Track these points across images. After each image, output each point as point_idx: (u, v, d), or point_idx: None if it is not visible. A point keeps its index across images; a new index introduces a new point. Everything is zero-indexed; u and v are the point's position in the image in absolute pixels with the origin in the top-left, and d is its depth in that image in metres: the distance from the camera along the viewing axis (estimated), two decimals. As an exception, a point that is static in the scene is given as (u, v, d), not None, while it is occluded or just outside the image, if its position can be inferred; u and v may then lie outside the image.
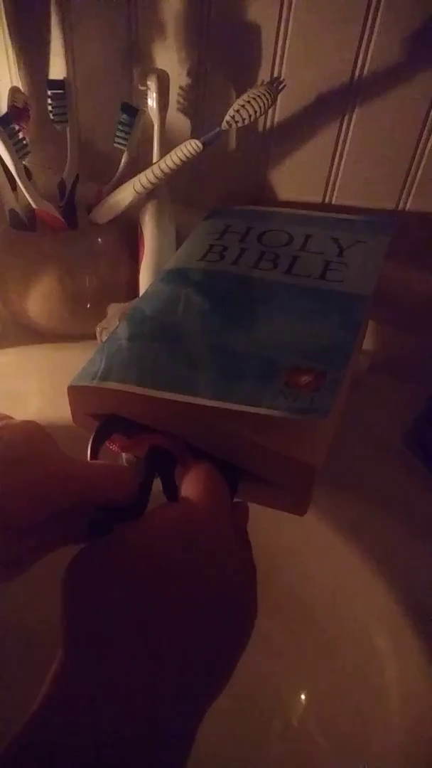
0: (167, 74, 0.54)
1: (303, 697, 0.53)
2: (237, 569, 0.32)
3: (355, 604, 0.47)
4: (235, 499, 0.37)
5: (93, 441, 0.38)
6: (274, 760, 0.51)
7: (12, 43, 0.61)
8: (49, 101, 0.55)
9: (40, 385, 0.60)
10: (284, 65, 0.52)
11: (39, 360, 0.64)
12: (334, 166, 0.57)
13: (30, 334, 0.66)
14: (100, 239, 0.62)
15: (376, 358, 0.61)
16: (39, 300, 0.62)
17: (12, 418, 0.34)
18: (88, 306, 0.63)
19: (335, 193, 0.59)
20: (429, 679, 0.41)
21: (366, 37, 0.49)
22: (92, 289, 0.62)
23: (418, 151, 0.53)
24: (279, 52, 0.52)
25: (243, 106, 0.50)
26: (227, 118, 0.51)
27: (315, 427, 0.35)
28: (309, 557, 0.51)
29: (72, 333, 0.65)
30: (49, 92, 0.55)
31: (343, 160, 0.56)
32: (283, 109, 0.55)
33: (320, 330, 0.42)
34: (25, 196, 0.56)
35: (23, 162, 0.55)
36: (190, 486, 0.34)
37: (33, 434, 0.33)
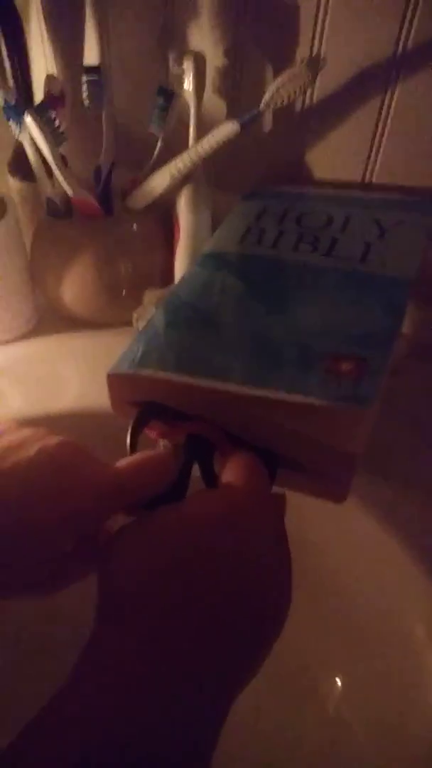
0: (203, 56, 0.53)
1: (339, 683, 0.52)
2: (273, 558, 0.32)
3: (393, 591, 0.47)
4: (274, 489, 0.37)
5: (132, 428, 0.38)
6: (309, 744, 0.51)
7: (47, 31, 0.61)
8: (85, 87, 0.55)
9: (79, 373, 0.61)
10: (324, 42, 0.51)
11: (76, 347, 0.64)
12: (375, 145, 0.55)
13: (67, 322, 0.66)
14: (135, 225, 0.61)
15: (414, 342, 0.60)
16: (75, 287, 0.63)
17: (43, 434, 0.34)
18: (125, 293, 0.63)
19: (375, 172, 0.57)
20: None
21: (410, 9, 0.47)
22: (128, 275, 0.62)
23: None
24: (318, 29, 0.50)
25: (282, 86, 0.49)
26: (266, 98, 0.50)
27: (357, 415, 0.34)
28: (345, 543, 0.50)
29: (109, 320, 0.65)
30: (84, 78, 0.55)
31: (384, 138, 0.54)
32: (322, 86, 0.53)
33: (362, 315, 0.41)
34: (61, 183, 0.56)
35: (59, 149, 0.55)
36: (229, 474, 0.34)
37: (67, 451, 0.33)
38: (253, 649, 0.30)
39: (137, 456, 0.35)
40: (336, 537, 0.50)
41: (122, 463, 0.34)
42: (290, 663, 0.53)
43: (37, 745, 0.24)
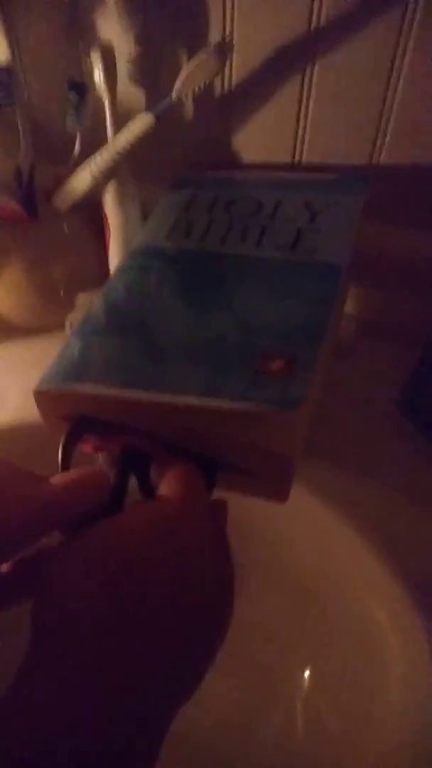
0: (111, 46, 0.50)
1: (307, 674, 0.52)
2: (213, 569, 0.31)
3: (354, 580, 0.47)
4: (215, 497, 0.36)
5: (64, 444, 0.37)
6: (278, 735, 0.51)
7: None
8: (-6, 86, 0.52)
9: (19, 382, 0.59)
10: (235, 23, 0.49)
11: (16, 356, 0.62)
12: (301, 124, 0.54)
13: (4, 330, 0.64)
14: (64, 226, 0.59)
15: (363, 322, 0.59)
16: (9, 295, 0.60)
17: None
18: (62, 295, 0.61)
19: (304, 152, 0.55)
20: (427, 652, 0.40)
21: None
22: (62, 278, 0.60)
23: (387, 101, 0.49)
24: (228, 10, 0.48)
25: (191, 73, 0.47)
26: (177, 87, 0.48)
27: (288, 418, 0.33)
28: (303, 534, 0.50)
29: (49, 324, 0.63)
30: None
31: (309, 116, 0.53)
32: (240, 68, 0.52)
33: (291, 308, 0.40)
34: (-23, 190, 0.54)
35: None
36: (166, 485, 0.33)
37: None
38: (195, 663, 0.29)
39: (70, 472, 0.33)
40: (293, 527, 0.50)
41: (55, 479, 0.32)
42: (258, 658, 0.53)
43: None
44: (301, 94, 0.52)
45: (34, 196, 0.58)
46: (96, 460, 0.39)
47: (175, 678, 0.28)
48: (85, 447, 0.39)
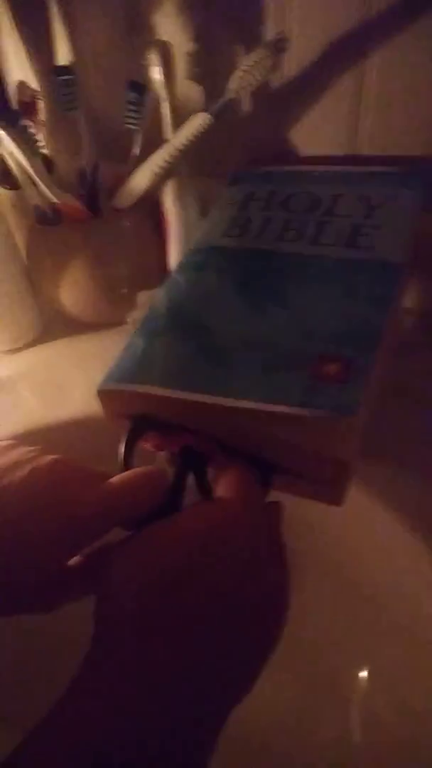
0: (169, 44, 0.51)
1: (364, 675, 0.52)
2: (268, 571, 0.32)
3: (411, 579, 0.46)
4: (271, 498, 0.37)
5: (126, 442, 0.38)
6: (335, 736, 0.51)
7: (20, 37, 0.59)
8: (58, 89, 0.54)
9: (85, 377, 0.61)
10: (291, 18, 0.48)
11: (81, 351, 0.64)
12: (360, 115, 0.53)
13: (72, 327, 0.66)
14: (125, 224, 0.60)
15: (423, 316, 0.58)
16: (73, 292, 0.62)
17: (36, 454, 0.35)
18: (123, 292, 0.63)
19: (362, 145, 0.54)
20: None
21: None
22: (124, 275, 0.61)
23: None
24: (284, 6, 0.48)
25: (246, 71, 0.47)
26: (232, 86, 0.48)
27: (343, 423, 0.33)
28: (359, 533, 0.50)
29: (113, 320, 0.65)
30: (56, 79, 0.53)
31: (366, 108, 0.52)
32: (297, 61, 0.51)
33: (347, 309, 0.40)
34: (42, 192, 0.55)
35: (42, 153, 0.54)
36: (223, 487, 0.34)
37: (58, 470, 0.33)
38: (248, 666, 0.30)
39: (130, 472, 0.35)
40: (352, 528, 0.50)
41: (115, 480, 0.34)
42: (313, 657, 0.53)
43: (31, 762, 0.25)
44: (358, 87, 0.51)
45: (97, 195, 0.59)
46: (156, 458, 0.40)
47: (228, 679, 0.29)
48: (146, 445, 0.40)
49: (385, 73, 0.49)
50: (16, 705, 0.44)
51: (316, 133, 0.55)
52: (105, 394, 0.41)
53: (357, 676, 0.52)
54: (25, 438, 0.55)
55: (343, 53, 0.49)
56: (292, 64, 0.51)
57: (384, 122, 0.52)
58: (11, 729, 0.30)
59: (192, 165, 0.56)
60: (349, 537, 0.50)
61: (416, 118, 0.50)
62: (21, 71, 0.62)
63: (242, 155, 0.58)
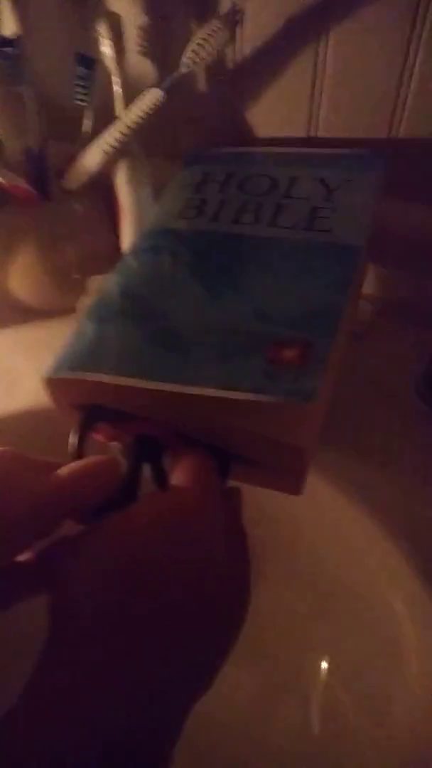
0: (118, 16, 0.48)
1: (325, 665, 0.52)
2: (227, 560, 0.31)
3: (372, 569, 0.46)
4: (230, 485, 0.36)
5: (76, 433, 0.36)
6: (294, 728, 0.51)
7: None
8: (1, 63, 0.51)
9: (35, 366, 0.58)
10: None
11: (32, 339, 0.62)
12: (315, 96, 0.52)
13: (19, 314, 0.64)
14: (76, 206, 0.58)
15: (380, 302, 0.57)
16: (23, 278, 0.60)
17: None
18: (75, 277, 0.60)
19: (319, 127, 0.53)
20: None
21: None
22: (76, 259, 0.59)
23: (405, 72, 0.47)
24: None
25: (200, 44, 0.45)
26: (184, 59, 0.46)
27: (301, 409, 0.32)
28: (320, 523, 0.49)
29: (63, 307, 0.62)
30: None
31: (324, 89, 0.51)
32: (251, 38, 0.50)
33: (305, 292, 0.39)
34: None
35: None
36: (178, 475, 0.33)
37: (1, 462, 0.31)
38: (209, 656, 0.29)
39: (80, 462, 0.33)
40: (313, 518, 0.49)
41: (63, 470, 0.32)
42: (273, 649, 0.52)
43: None
44: (315, 66, 0.50)
45: (45, 176, 0.57)
46: (109, 449, 0.38)
47: (188, 673, 0.28)
48: (98, 436, 0.38)
49: (342, 52, 0.48)
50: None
51: (273, 114, 0.54)
52: (53, 383, 0.39)
53: (317, 667, 0.52)
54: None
55: (300, 29, 0.48)
56: (248, 40, 0.50)
57: (341, 103, 0.51)
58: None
59: (145, 145, 0.54)
60: (308, 526, 0.50)
61: (374, 98, 0.50)
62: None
63: (197, 136, 0.57)
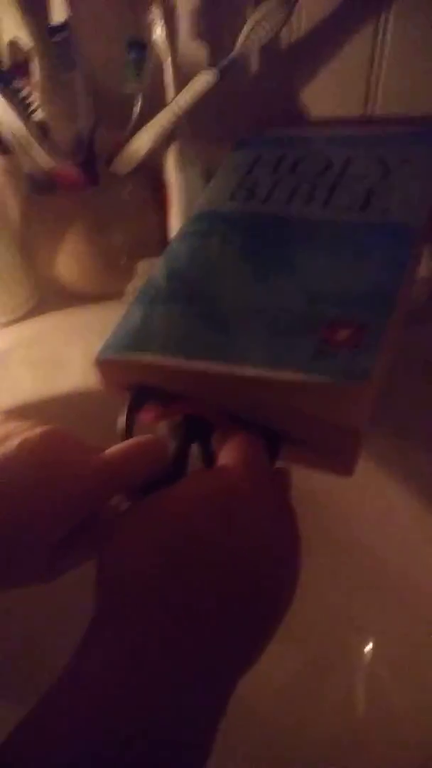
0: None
1: (369, 648, 0.51)
2: (272, 537, 0.30)
3: (419, 553, 0.45)
4: (278, 465, 0.35)
5: (126, 413, 0.37)
6: (338, 708, 0.50)
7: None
8: (53, 48, 0.51)
9: (82, 350, 0.59)
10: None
11: (80, 323, 0.62)
12: (374, 74, 0.50)
13: (69, 298, 0.64)
14: (124, 191, 0.58)
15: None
16: (71, 263, 0.60)
17: (27, 426, 0.33)
18: (123, 262, 0.60)
19: (377, 106, 0.52)
20: None
21: None
22: (123, 245, 0.59)
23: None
24: None
25: (257, 24, 0.44)
26: (240, 40, 0.45)
27: (355, 390, 0.32)
28: (369, 506, 0.48)
29: (111, 292, 0.62)
30: (51, 38, 0.51)
31: (383, 65, 0.49)
32: (308, 16, 0.48)
33: (360, 273, 0.38)
34: (35, 157, 0.53)
35: (36, 119, 0.52)
36: (227, 455, 0.33)
37: (51, 441, 0.32)
38: (255, 633, 0.29)
39: (128, 441, 0.33)
40: (362, 501, 0.49)
41: (112, 450, 0.32)
42: (319, 628, 0.52)
43: (32, 744, 0.23)
44: (374, 43, 0.48)
45: (94, 161, 0.57)
46: (158, 429, 0.38)
47: (236, 649, 0.28)
48: (147, 416, 0.38)
49: (400, 29, 0.46)
50: (18, 678, 0.43)
51: (328, 93, 0.53)
52: (104, 365, 0.39)
53: (362, 648, 0.51)
54: (19, 413, 0.53)
55: (357, 6, 0.46)
56: (304, 19, 0.48)
57: (400, 81, 0.49)
58: (14, 704, 0.29)
59: (196, 129, 0.54)
60: (356, 508, 0.49)
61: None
62: (13, 30, 0.59)
63: (249, 119, 0.56)
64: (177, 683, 0.25)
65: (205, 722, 0.26)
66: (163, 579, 0.27)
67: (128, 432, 0.36)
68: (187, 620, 0.26)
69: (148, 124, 0.52)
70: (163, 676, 0.25)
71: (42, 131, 0.53)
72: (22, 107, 0.50)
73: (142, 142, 0.53)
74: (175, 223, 0.56)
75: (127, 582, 0.27)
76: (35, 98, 0.52)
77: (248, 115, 0.56)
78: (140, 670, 0.25)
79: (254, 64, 0.51)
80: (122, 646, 0.25)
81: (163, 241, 0.59)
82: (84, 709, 0.24)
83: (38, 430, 0.32)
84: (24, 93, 0.50)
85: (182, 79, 0.51)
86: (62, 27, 0.51)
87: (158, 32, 0.49)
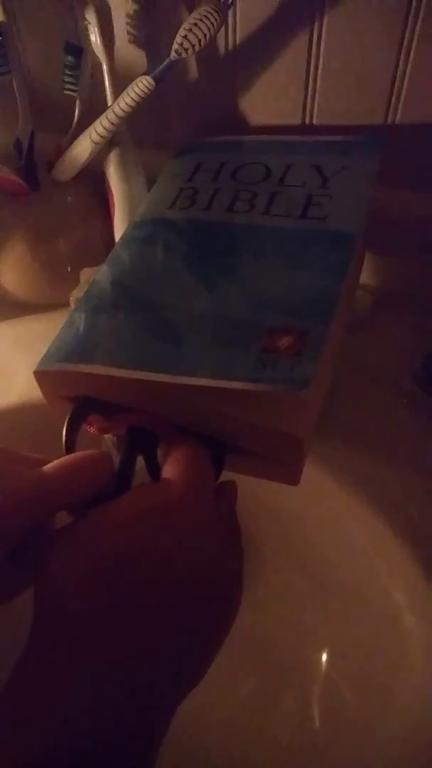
0: (107, 4, 0.47)
1: (324, 657, 0.51)
2: (217, 554, 0.30)
3: (371, 560, 0.45)
4: (224, 478, 0.35)
5: (67, 426, 0.36)
6: (294, 720, 0.50)
7: None
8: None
9: (27, 361, 0.57)
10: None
11: (24, 333, 0.61)
12: (311, 83, 0.51)
13: (12, 308, 0.63)
14: (66, 198, 0.57)
15: (379, 292, 0.57)
16: (12, 270, 0.59)
17: None
18: (67, 270, 0.60)
19: (315, 114, 0.53)
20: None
21: None
22: (67, 252, 0.58)
23: (401, 56, 0.46)
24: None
25: (190, 30, 0.44)
26: (175, 46, 0.45)
27: (297, 398, 0.32)
28: (319, 514, 0.49)
29: (56, 301, 0.61)
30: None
31: (319, 75, 0.50)
32: (245, 24, 0.49)
33: (301, 280, 0.38)
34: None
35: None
36: (170, 467, 0.32)
37: None
38: (197, 649, 0.28)
39: (70, 456, 0.32)
40: (311, 509, 0.49)
41: (53, 464, 0.31)
42: (272, 640, 0.52)
43: None
44: (309, 51, 0.49)
45: (34, 166, 0.56)
46: (102, 442, 0.38)
47: (174, 667, 0.27)
48: (91, 428, 0.37)
49: (337, 35, 0.47)
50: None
51: (267, 101, 0.53)
52: (43, 376, 0.38)
53: (318, 659, 0.51)
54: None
55: (294, 13, 0.47)
56: (241, 25, 0.49)
57: (337, 88, 0.50)
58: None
59: (136, 135, 0.54)
60: (307, 517, 0.49)
61: (370, 83, 0.49)
62: None
63: (189, 125, 0.56)
64: (110, 708, 0.24)
65: (148, 743, 0.25)
66: (102, 602, 0.26)
67: (70, 445, 0.35)
68: (127, 645, 0.26)
69: (88, 130, 0.51)
70: (94, 700, 0.24)
71: (-21, 137, 0.52)
72: None
73: (83, 147, 0.52)
74: (118, 230, 0.56)
75: (61, 603, 0.27)
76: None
77: (189, 121, 0.56)
78: (77, 691, 0.24)
79: (193, 71, 0.51)
80: (56, 668, 0.25)
81: (108, 248, 0.59)
82: (17, 731, 0.23)
83: None
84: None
85: (120, 85, 0.50)
86: (-3, 27, 0.50)
87: (94, 36, 0.48)
